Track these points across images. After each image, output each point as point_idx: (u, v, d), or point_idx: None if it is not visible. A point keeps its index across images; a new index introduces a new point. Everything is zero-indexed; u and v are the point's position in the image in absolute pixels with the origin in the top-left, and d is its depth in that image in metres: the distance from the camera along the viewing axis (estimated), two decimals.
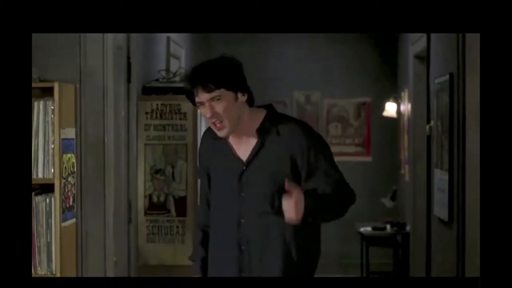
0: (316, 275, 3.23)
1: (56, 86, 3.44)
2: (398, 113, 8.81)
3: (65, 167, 3.51)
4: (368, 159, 9.32)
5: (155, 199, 5.02)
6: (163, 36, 6.11)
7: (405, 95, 8.35)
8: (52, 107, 3.43)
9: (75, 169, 3.65)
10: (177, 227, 4.99)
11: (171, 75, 5.58)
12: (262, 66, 9.04)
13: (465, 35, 4.81)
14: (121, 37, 4.65)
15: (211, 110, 3.07)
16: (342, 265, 8.80)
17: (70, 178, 3.57)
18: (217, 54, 3.17)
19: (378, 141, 9.30)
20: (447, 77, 5.44)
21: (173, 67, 6.12)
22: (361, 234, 8.37)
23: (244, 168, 3.17)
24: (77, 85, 3.76)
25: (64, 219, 3.48)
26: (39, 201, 3.43)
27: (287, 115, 3.28)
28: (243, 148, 3.18)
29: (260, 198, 3.13)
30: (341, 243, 8.81)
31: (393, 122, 9.02)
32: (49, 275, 3.43)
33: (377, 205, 8.77)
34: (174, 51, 6.48)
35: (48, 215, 3.43)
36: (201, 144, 3.37)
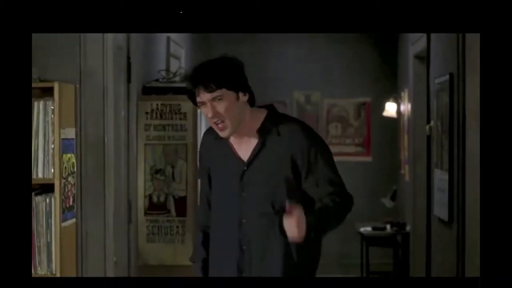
0: (316, 275, 3.23)
1: (56, 86, 3.44)
2: (398, 113, 8.81)
3: (65, 167, 3.51)
4: (368, 159, 9.32)
5: (155, 199, 5.02)
6: (163, 36, 6.11)
7: (405, 95, 8.35)
8: (52, 107, 3.43)
9: (75, 169, 3.64)
10: (177, 227, 4.99)
11: (171, 75, 5.58)
12: (262, 66, 9.04)
13: (465, 35, 4.81)
14: (121, 37, 4.65)
15: (213, 110, 3.07)
16: (342, 265, 8.80)
17: (70, 178, 3.57)
18: (217, 54, 3.17)
19: (378, 141, 9.30)
20: (447, 77, 5.44)
21: (173, 67, 6.12)
22: (361, 234, 8.37)
23: (245, 168, 3.17)
24: (77, 85, 3.75)
25: (64, 219, 3.48)
26: (39, 201, 3.43)
27: (288, 115, 3.28)
28: (244, 148, 3.18)
29: (261, 198, 3.13)
30: (341, 243, 8.81)
31: (393, 122, 9.02)
32: (49, 275, 3.43)
33: (377, 205, 8.77)
34: (174, 51, 6.48)
35: (48, 215, 3.43)
36: (201, 144, 3.37)
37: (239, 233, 3.16)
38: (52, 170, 3.43)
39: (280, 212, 3.05)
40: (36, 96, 3.44)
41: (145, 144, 5.02)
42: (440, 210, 5.71)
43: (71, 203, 3.58)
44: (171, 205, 5.01)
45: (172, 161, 5.02)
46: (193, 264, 3.35)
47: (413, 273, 7.48)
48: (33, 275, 3.41)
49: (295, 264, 3.13)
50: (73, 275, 3.64)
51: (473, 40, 4.38)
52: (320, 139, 3.21)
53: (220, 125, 3.10)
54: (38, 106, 3.43)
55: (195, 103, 3.13)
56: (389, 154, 9.16)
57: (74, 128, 3.66)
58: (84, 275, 3.80)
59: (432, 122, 6.15)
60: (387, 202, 8.62)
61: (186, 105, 4.99)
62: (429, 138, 6.23)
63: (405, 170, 8.18)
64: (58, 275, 3.43)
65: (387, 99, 8.84)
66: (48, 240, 3.43)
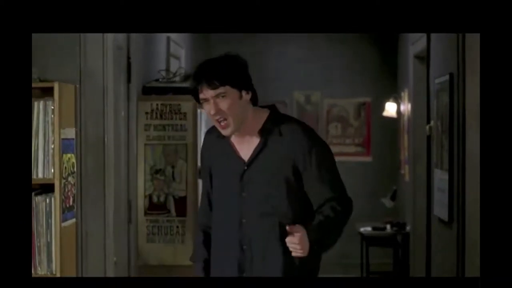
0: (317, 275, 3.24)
1: (56, 86, 3.44)
2: (398, 113, 8.81)
3: (65, 167, 3.51)
4: (368, 159, 9.32)
5: (155, 199, 5.02)
6: (163, 36, 6.11)
7: (405, 95, 8.35)
8: (52, 107, 3.43)
9: (75, 169, 3.64)
10: (177, 227, 4.99)
11: (171, 75, 5.58)
12: (262, 66, 9.04)
13: (465, 35, 4.81)
14: (121, 37, 4.65)
15: (215, 107, 3.07)
16: (342, 265, 8.79)
17: (70, 178, 3.56)
18: (217, 54, 3.17)
19: (378, 141, 9.30)
20: (447, 77, 5.44)
21: (173, 67, 6.12)
22: (361, 234, 8.37)
23: (246, 168, 3.17)
24: (77, 85, 3.75)
25: (64, 219, 3.48)
26: (39, 201, 3.43)
27: (290, 116, 3.29)
28: (245, 147, 3.18)
29: (261, 198, 3.14)
30: (341, 243, 8.74)
31: (393, 122, 9.02)
32: (49, 275, 3.43)
33: (377, 205, 8.77)
34: (174, 51, 6.48)
35: (48, 215, 3.42)
36: (203, 144, 3.37)
37: (239, 233, 3.16)
38: (52, 170, 3.43)
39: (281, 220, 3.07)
40: (36, 96, 3.44)
41: (145, 144, 5.02)
42: (440, 210, 5.71)
43: (71, 203, 3.58)
44: (171, 205, 5.01)
45: (172, 161, 5.01)
46: (194, 264, 3.35)
47: (413, 273, 7.48)
48: (33, 275, 3.40)
49: (295, 264, 3.13)
50: (73, 275, 3.64)
51: (473, 40, 4.38)
52: (321, 141, 3.21)
53: (222, 123, 3.11)
54: (38, 106, 3.43)
55: (198, 100, 3.13)
56: (389, 154, 9.16)
57: (74, 128, 3.66)
58: (84, 275, 3.79)
59: (432, 122, 6.15)
60: (387, 202, 8.62)
61: (186, 105, 4.99)
62: (429, 138, 6.23)
63: (405, 170, 8.18)
64: (58, 275, 3.43)
65: (387, 99, 8.84)
66: (48, 240, 3.43)
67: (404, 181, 8.35)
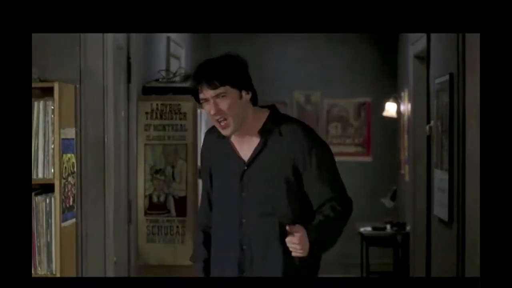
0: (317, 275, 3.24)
1: (56, 86, 3.44)
2: (398, 113, 8.81)
3: (65, 167, 3.51)
4: (368, 159, 9.32)
5: (155, 199, 5.02)
6: (163, 36, 6.11)
7: (405, 95, 8.35)
8: (52, 107, 3.43)
9: (75, 169, 3.64)
10: (177, 227, 4.99)
11: (171, 75, 5.58)
12: (262, 66, 9.04)
13: (465, 35, 4.81)
14: (121, 37, 4.65)
15: (215, 107, 3.07)
16: (342, 265, 8.79)
17: (70, 178, 3.56)
18: (217, 54, 3.17)
19: (378, 141, 9.30)
20: (447, 77, 5.44)
21: (173, 67, 6.12)
22: (361, 234, 8.37)
23: (246, 168, 3.17)
24: (77, 85, 3.75)
25: (64, 219, 3.48)
26: (39, 201, 3.43)
27: (290, 116, 3.29)
28: (245, 147, 3.18)
29: (261, 198, 3.14)
30: (341, 243, 8.74)
31: (393, 122, 9.02)
32: (49, 275, 3.43)
33: (377, 205, 8.77)
34: (174, 51, 6.48)
35: (48, 215, 3.42)
36: (203, 144, 3.37)
37: (239, 233, 3.16)
38: (52, 170, 3.43)
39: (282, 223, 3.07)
40: (36, 96, 3.44)
41: (145, 144, 5.02)
42: (440, 210, 5.71)
43: (71, 203, 3.58)
44: (171, 205, 5.01)
45: (172, 161, 5.01)
46: (194, 264, 3.35)
47: (413, 273, 7.48)
48: (33, 275, 3.40)
49: (295, 264, 3.13)
50: (73, 275, 3.64)
51: (473, 40, 4.38)
52: (321, 141, 3.21)
53: (222, 123, 3.11)
54: (38, 106, 3.43)
55: (198, 100, 3.13)
56: (389, 154, 9.16)
57: (74, 128, 3.66)
58: (84, 275, 3.79)
59: (432, 122, 6.15)
60: (387, 202, 8.62)
61: (186, 105, 4.99)
62: (429, 138, 6.23)
63: (405, 170, 8.18)
64: (58, 275, 3.43)
65: (387, 99, 8.84)
66: (48, 240, 3.43)
67: (404, 181, 8.35)
